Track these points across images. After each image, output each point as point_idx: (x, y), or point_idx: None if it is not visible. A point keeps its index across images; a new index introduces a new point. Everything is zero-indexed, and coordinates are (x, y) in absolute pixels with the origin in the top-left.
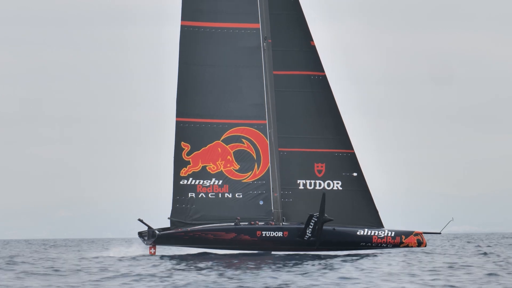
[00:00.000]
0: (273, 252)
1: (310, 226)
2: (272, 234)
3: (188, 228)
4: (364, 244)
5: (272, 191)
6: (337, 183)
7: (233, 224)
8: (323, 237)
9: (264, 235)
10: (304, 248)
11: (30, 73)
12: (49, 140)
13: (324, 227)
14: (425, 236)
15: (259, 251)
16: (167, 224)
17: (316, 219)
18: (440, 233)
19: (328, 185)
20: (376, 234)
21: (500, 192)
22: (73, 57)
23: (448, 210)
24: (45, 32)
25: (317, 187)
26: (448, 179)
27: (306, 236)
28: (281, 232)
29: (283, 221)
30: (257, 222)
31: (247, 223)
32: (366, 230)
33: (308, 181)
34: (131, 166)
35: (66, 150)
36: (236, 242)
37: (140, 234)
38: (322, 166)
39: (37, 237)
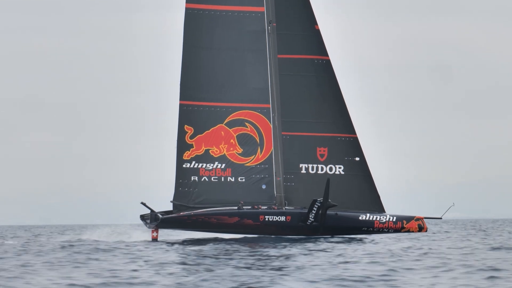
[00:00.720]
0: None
1: (313, 211)
2: (275, 218)
3: (192, 212)
4: (366, 229)
5: (275, 175)
6: (339, 168)
7: (236, 208)
8: (326, 222)
9: (267, 219)
10: (306, 233)
11: (30, 61)
12: (49, 127)
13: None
14: (426, 221)
15: (262, 235)
16: (169, 207)
17: (319, 204)
18: (441, 218)
19: (330, 169)
20: (378, 219)
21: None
22: (73, 43)
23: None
24: (47, 19)
25: (319, 172)
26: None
27: (309, 221)
28: (284, 217)
29: (285, 205)
30: (260, 206)
31: (250, 207)
32: (368, 215)
33: (310, 165)
34: (134, 150)
35: (71, 135)
36: (239, 226)
37: (142, 217)
38: (324, 151)
39: (33, 223)
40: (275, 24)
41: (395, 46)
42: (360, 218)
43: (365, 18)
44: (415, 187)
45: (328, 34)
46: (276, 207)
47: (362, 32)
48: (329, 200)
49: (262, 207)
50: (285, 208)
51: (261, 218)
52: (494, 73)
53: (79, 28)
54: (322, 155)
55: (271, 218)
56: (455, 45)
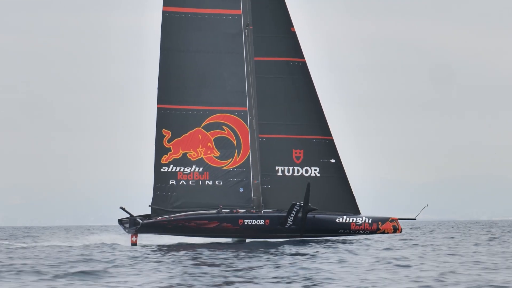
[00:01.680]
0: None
1: (292, 215)
2: (254, 222)
3: (172, 217)
4: (342, 231)
5: (253, 178)
6: (315, 170)
7: (215, 212)
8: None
9: (246, 223)
10: (285, 236)
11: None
12: (40, 126)
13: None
14: (400, 222)
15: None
16: (147, 211)
17: (298, 208)
18: (415, 219)
19: (306, 171)
20: (354, 221)
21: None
22: (54, 46)
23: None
24: (34, 19)
25: (295, 174)
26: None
27: (287, 224)
28: (263, 220)
29: (260, 209)
30: (238, 210)
31: (228, 210)
32: (344, 217)
33: (286, 168)
34: (115, 154)
35: (61, 136)
36: (218, 230)
37: (121, 222)
38: (300, 153)
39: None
40: (251, 27)
41: (370, 46)
42: (337, 220)
43: (339, 17)
44: (388, 186)
45: (303, 35)
46: (254, 211)
47: (337, 32)
48: (309, 204)
49: (240, 211)
50: (263, 212)
51: (240, 222)
52: (470, 73)
53: (59, 27)
54: (298, 157)
55: (250, 222)
56: (432, 46)
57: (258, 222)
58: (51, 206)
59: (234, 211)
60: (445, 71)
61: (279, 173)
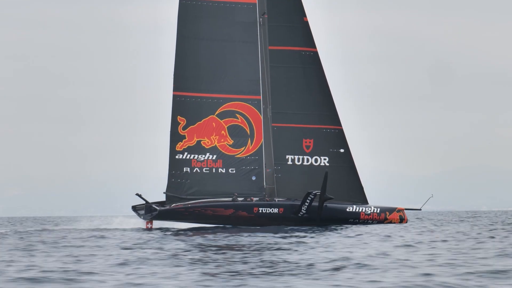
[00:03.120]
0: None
1: (306, 203)
2: (268, 210)
3: (189, 204)
4: (352, 220)
5: (265, 167)
6: (324, 159)
7: (230, 199)
8: (314, 213)
9: (260, 211)
10: (298, 224)
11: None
12: (47, 118)
13: (314, 204)
14: (406, 213)
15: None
16: (160, 198)
17: (312, 196)
18: (420, 209)
19: (316, 161)
20: (363, 210)
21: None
22: (70, 37)
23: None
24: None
25: (305, 163)
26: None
27: (300, 213)
28: (277, 209)
29: (272, 197)
30: (252, 198)
31: (242, 198)
32: (354, 206)
33: (296, 157)
34: (128, 142)
35: (67, 127)
36: (234, 218)
37: (134, 208)
38: (310, 142)
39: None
40: (266, 16)
41: (381, 39)
42: (347, 209)
43: (351, 9)
44: (396, 177)
45: (315, 26)
46: (268, 199)
47: (349, 24)
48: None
49: (254, 199)
50: (277, 200)
51: (255, 210)
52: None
53: (75, 21)
54: (308, 147)
55: (264, 210)
56: (437, 40)
57: (272, 210)
58: (49, 197)
59: (249, 199)
60: (453, 65)
61: (289, 162)
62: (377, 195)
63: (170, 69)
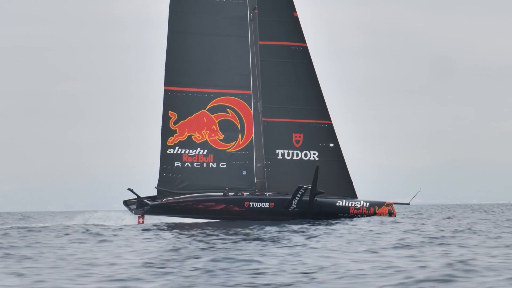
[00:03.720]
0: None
1: (296, 198)
2: (259, 204)
3: (180, 198)
4: (342, 214)
5: (256, 161)
6: (314, 154)
7: (221, 194)
8: (304, 207)
9: (251, 205)
10: (289, 218)
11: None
12: (47, 113)
13: (305, 198)
14: (395, 207)
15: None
16: (150, 193)
17: (303, 191)
18: (409, 204)
19: (305, 155)
20: (353, 205)
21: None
22: (62, 32)
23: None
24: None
25: (295, 157)
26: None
27: (291, 207)
28: (268, 203)
29: (263, 192)
30: (243, 192)
31: (233, 193)
32: (344, 201)
33: (286, 151)
34: (123, 136)
35: (63, 123)
36: (225, 213)
37: (126, 203)
38: (300, 136)
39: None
40: (257, 11)
41: (370, 32)
42: (337, 204)
43: (341, 2)
44: (384, 170)
45: (305, 19)
46: (259, 193)
47: (339, 17)
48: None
49: (245, 193)
50: (268, 195)
51: (246, 205)
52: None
53: (68, 15)
54: (297, 141)
55: (255, 204)
56: (430, 34)
57: (263, 204)
58: (42, 192)
59: (240, 194)
60: (443, 59)
61: (279, 157)
62: (369, 189)
63: (162, 63)
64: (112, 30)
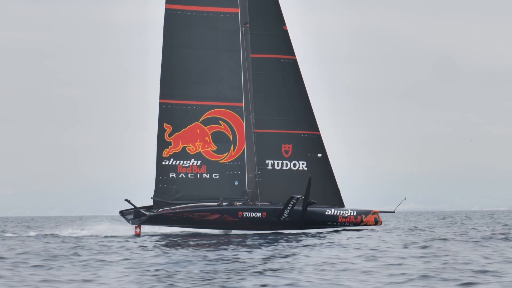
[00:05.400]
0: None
1: (288, 208)
2: (252, 214)
3: (177, 209)
4: (331, 223)
5: (247, 172)
6: (303, 164)
7: (216, 204)
8: (296, 217)
9: (245, 215)
10: (281, 228)
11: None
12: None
13: (296, 208)
14: (380, 215)
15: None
16: (145, 203)
17: (295, 201)
18: (394, 212)
19: (294, 165)
20: (341, 214)
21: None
22: (58, 40)
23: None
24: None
25: (284, 167)
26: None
27: (283, 217)
28: (260, 213)
29: (254, 201)
30: (235, 202)
31: (227, 203)
32: (333, 210)
33: (276, 161)
34: (121, 141)
35: (60, 126)
36: (219, 222)
37: (122, 213)
38: (289, 147)
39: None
40: (248, 25)
41: (355, 38)
42: (326, 213)
43: (330, 8)
44: (370, 176)
45: (293, 24)
46: (251, 203)
47: (327, 23)
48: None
49: (238, 203)
50: (260, 204)
51: (240, 215)
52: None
53: (63, 23)
54: (287, 152)
55: (248, 214)
56: (424, 39)
57: (256, 214)
58: (42, 197)
59: (233, 204)
60: (444, 60)
61: (269, 167)
62: (358, 195)
63: (157, 68)
64: (107, 36)
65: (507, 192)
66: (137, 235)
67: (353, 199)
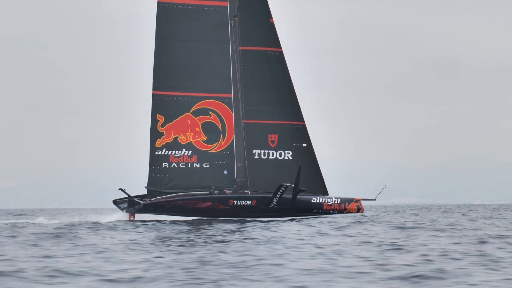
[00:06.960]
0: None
1: (277, 196)
2: (243, 202)
3: (170, 197)
4: (316, 210)
5: (236, 161)
6: (288, 153)
7: (208, 193)
8: (283, 205)
9: (235, 203)
10: (270, 215)
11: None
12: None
13: (284, 196)
14: (362, 203)
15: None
16: (138, 192)
17: (284, 189)
18: (375, 200)
19: (280, 155)
20: (326, 201)
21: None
22: (53, 33)
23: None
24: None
25: (270, 157)
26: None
27: (271, 205)
28: (250, 201)
29: (243, 190)
30: (225, 190)
31: (217, 191)
32: (318, 198)
33: (262, 151)
34: (112, 138)
35: (57, 120)
36: (211, 210)
37: (116, 202)
38: (275, 137)
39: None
40: (237, 18)
41: (341, 30)
42: (312, 201)
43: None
44: (354, 167)
45: (279, 16)
46: (240, 191)
47: (313, 15)
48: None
49: (228, 192)
50: (250, 193)
51: (231, 203)
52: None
53: (67, 15)
54: (273, 142)
55: (239, 202)
56: (412, 32)
57: (246, 202)
58: (42, 189)
59: (225, 191)
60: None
61: (256, 156)
62: (343, 186)
63: (150, 63)
64: (101, 28)
65: (508, 187)
66: (132, 220)
67: (337, 188)
